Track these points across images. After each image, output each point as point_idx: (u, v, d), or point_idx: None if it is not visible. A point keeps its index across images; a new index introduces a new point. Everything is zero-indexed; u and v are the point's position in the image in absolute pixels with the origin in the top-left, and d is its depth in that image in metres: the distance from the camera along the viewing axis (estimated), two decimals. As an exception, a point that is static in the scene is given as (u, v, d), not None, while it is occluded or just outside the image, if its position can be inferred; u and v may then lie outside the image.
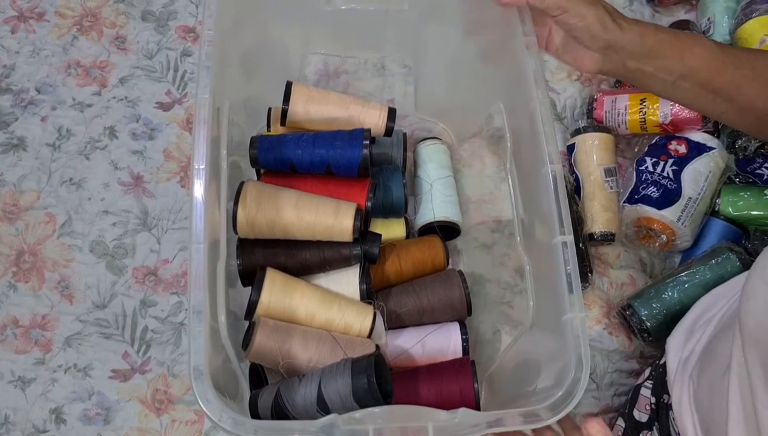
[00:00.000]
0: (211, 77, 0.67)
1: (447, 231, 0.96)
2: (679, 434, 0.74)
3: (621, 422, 0.85)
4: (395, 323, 0.88)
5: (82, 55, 1.07)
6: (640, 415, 0.82)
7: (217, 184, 0.74)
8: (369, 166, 0.81)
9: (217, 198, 0.73)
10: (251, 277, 0.79)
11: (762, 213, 0.96)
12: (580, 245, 0.95)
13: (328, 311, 0.78)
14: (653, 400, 0.81)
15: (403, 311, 0.88)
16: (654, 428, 0.80)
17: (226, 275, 0.81)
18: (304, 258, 0.81)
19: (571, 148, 1.04)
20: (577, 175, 1.02)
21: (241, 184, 0.79)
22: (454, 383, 0.77)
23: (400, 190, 0.90)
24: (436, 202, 0.94)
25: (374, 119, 0.87)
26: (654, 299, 0.91)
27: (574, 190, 1.01)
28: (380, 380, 0.72)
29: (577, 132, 1.03)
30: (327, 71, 1.01)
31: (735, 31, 1.05)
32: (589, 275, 0.95)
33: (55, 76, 1.06)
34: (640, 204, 0.96)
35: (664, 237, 0.96)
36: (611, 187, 1.00)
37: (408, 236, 0.95)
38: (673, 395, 0.75)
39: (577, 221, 0.96)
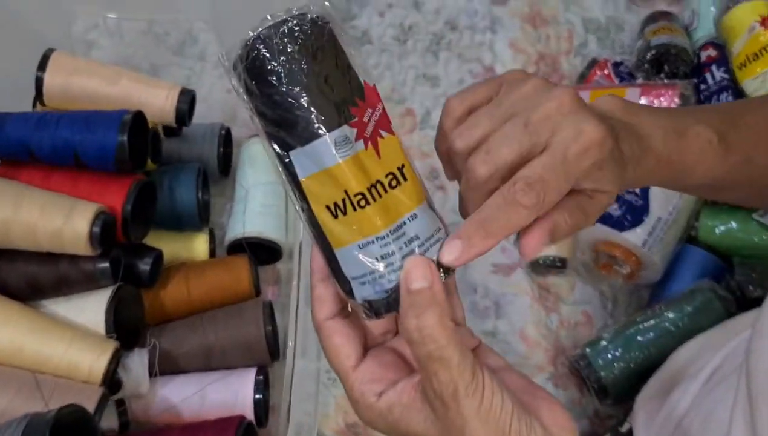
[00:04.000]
0: None
1: (267, 252, 0.76)
2: None
3: None
4: (172, 367, 0.67)
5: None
6: None
7: None
8: (125, 158, 0.61)
9: None
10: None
11: (749, 241, 0.77)
12: None
13: (44, 345, 0.58)
14: None
15: (183, 351, 0.67)
16: None
17: None
18: (31, 273, 0.61)
19: None
20: None
21: (-53, 171, 0.60)
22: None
23: (191, 193, 0.70)
24: (249, 214, 0.74)
25: (159, 101, 0.69)
26: (615, 350, 0.73)
27: None
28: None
29: None
30: (119, 41, 0.82)
31: (720, 20, 0.86)
32: None
33: None
34: (598, 224, 0.77)
35: (627, 267, 0.77)
36: None
37: (214, 255, 0.75)
38: None
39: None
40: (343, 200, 0.33)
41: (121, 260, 0.64)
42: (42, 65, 0.67)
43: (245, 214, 0.74)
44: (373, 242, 0.33)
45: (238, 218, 0.74)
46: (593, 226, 0.76)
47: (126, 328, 0.65)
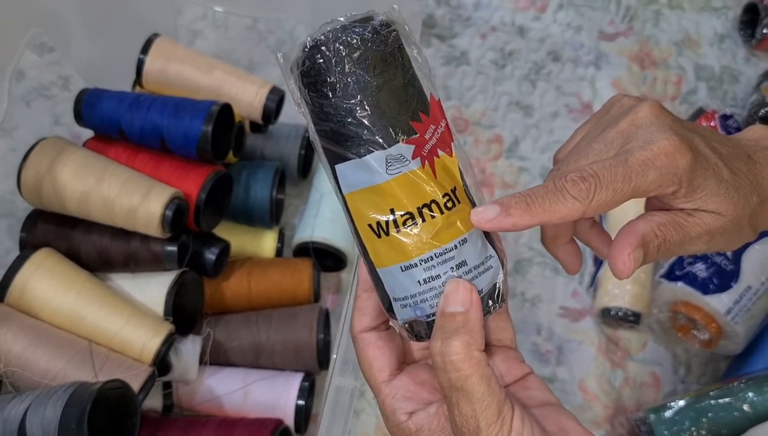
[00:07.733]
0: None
1: (332, 259, 0.75)
2: None
3: None
4: (222, 359, 0.68)
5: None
6: None
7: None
8: (207, 148, 0.63)
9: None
10: (36, 257, 0.62)
11: None
12: None
13: (103, 317, 0.59)
14: None
15: (235, 344, 0.68)
16: None
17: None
18: (103, 246, 0.63)
19: None
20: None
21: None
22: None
23: (265, 190, 0.71)
24: (320, 219, 0.74)
25: (249, 96, 0.70)
26: (682, 422, 0.67)
27: None
28: (118, 423, 0.52)
29: None
30: (223, 34, 0.84)
31: None
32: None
33: None
34: (680, 282, 0.72)
35: (706, 333, 0.72)
36: None
37: (280, 255, 0.76)
38: None
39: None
40: (387, 221, 0.31)
41: (189, 246, 0.65)
42: (145, 48, 0.69)
43: (316, 218, 0.74)
44: (417, 265, 0.31)
45: (309, 221, 0.74)
46: (677, 285, 0.72)
47: (184, 313, 0.66)
